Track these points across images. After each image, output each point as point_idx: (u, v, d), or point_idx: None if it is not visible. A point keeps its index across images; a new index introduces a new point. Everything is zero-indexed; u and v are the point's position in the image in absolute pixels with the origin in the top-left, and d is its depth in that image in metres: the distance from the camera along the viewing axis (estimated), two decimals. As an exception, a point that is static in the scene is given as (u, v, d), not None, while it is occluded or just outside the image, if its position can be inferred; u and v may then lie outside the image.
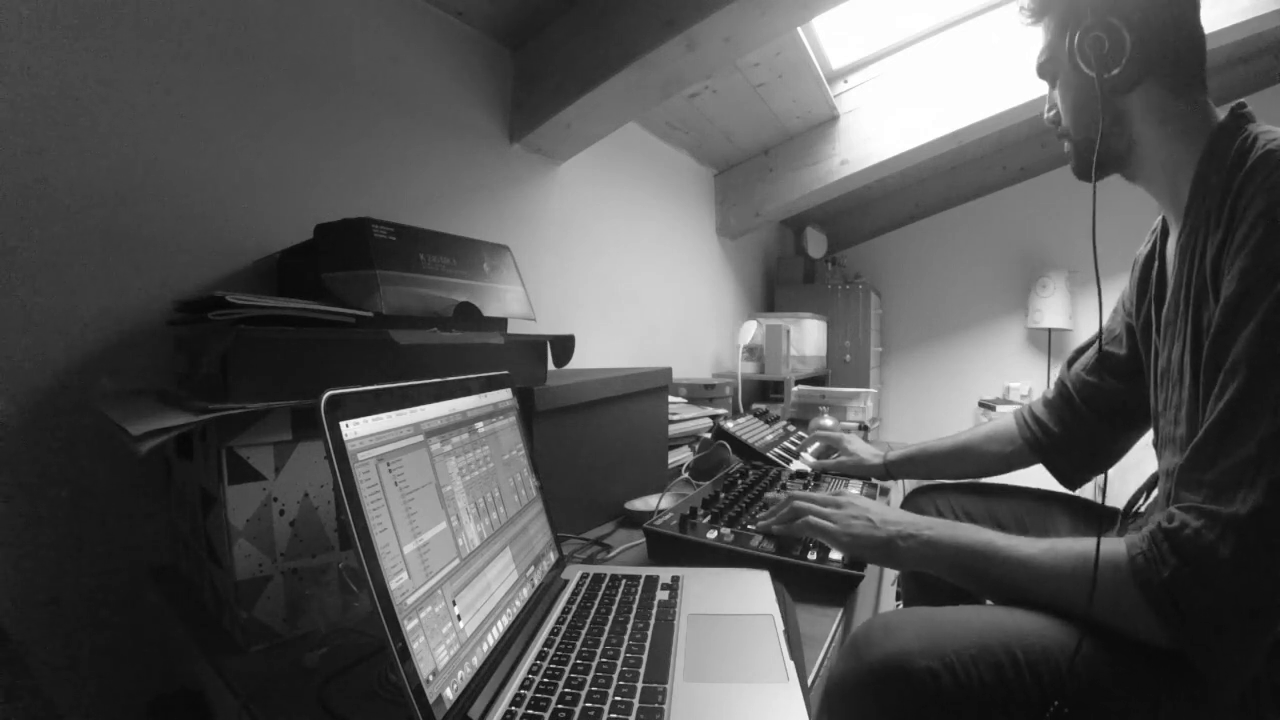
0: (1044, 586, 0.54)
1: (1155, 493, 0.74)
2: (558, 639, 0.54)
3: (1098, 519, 0.88)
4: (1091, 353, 0.87)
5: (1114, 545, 0.52)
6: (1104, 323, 0.86)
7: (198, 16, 0.83)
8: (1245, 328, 0.48)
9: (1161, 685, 0.49)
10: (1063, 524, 0.89)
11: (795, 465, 1.24)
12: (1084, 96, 0.64)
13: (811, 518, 0.70)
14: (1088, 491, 0.98)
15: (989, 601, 0.60)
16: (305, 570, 0.62)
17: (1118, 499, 0.86)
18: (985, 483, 1.00)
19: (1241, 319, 0.49)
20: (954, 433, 1.05)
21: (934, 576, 0.62)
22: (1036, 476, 0.94)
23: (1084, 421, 0.86)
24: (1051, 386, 0.93)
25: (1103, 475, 0.79)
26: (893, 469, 1.08)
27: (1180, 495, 0.50)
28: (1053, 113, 0.71)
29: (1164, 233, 0.69)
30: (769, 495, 0.89)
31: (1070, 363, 0.91)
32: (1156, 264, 0.69)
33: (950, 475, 1.03)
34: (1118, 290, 0.84)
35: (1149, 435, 0.74)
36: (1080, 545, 0.54)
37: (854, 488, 1.02)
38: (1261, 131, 0.54)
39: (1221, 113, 0.60)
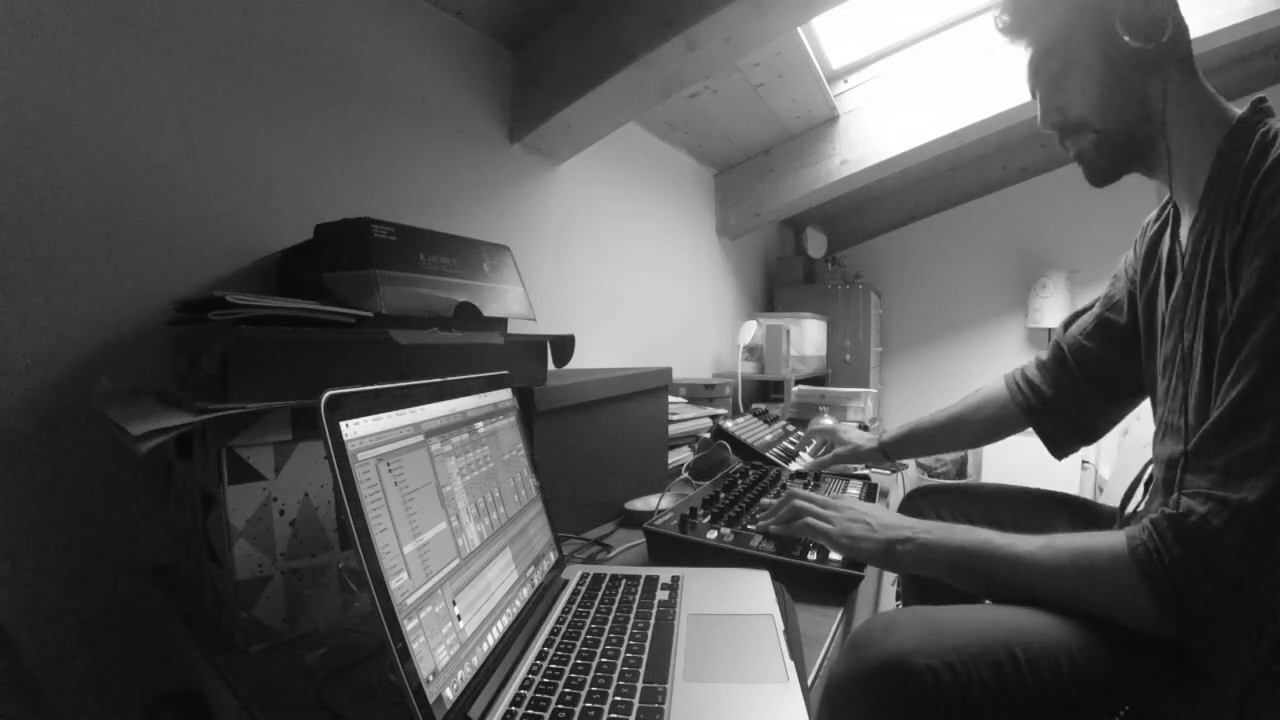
0: (1043, 582, 0.55)
1: (1151, 490, 0.74)
2: (558, 639, 0.54)
3: (1097, 517, 0.88)
4: (1090, 317, 0.86)
5: (1113, 536, 0.52)
6: (1105, 289, 0.85)
7: (197, 16, 0.83)
8: (1263, 321, 0.48)
9: (1165, 682, 0.49)
10: (1061, 525, 0.88)
11: (794, 465, 1.24)
12: (1115, 76, 0.62)
13: (810, 519, 0.70)
14: (1089, 492, 0.98)
15: (988, 602, 0.60)
16: (305, 570, 0.62)
17: (1114, 499, 0.86)
18: (984, 485, 0.99)
19: (1260, 312, 0.49)
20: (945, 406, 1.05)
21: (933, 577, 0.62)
22: (1036, 477, 0.94)
23: (1077, 386, 0.85)
24: (1047, 349, 0.92)
25: (1105, 477, 0.78)
26: (889, 450, 1.07)
27: (1187, 480, 0.50)
28: (1056, 117, 0.68)
29: (1175, 216, 0.68)
30: (765, 501, 0.89)
31: (1067, 325, 0.90)
32: (1168, 244, 0.68)
33: (946, 448, 1.03)
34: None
35: (1149, 436, 0.74)
36: (1078, 539, 0.54)
37: (853, 489, 1.02)
38: None
39: (1240, 105, 0.60)
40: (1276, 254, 0.49)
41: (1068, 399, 0.87)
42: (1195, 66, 0.62)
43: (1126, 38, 0.59)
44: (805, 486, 1.01)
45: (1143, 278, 0.74)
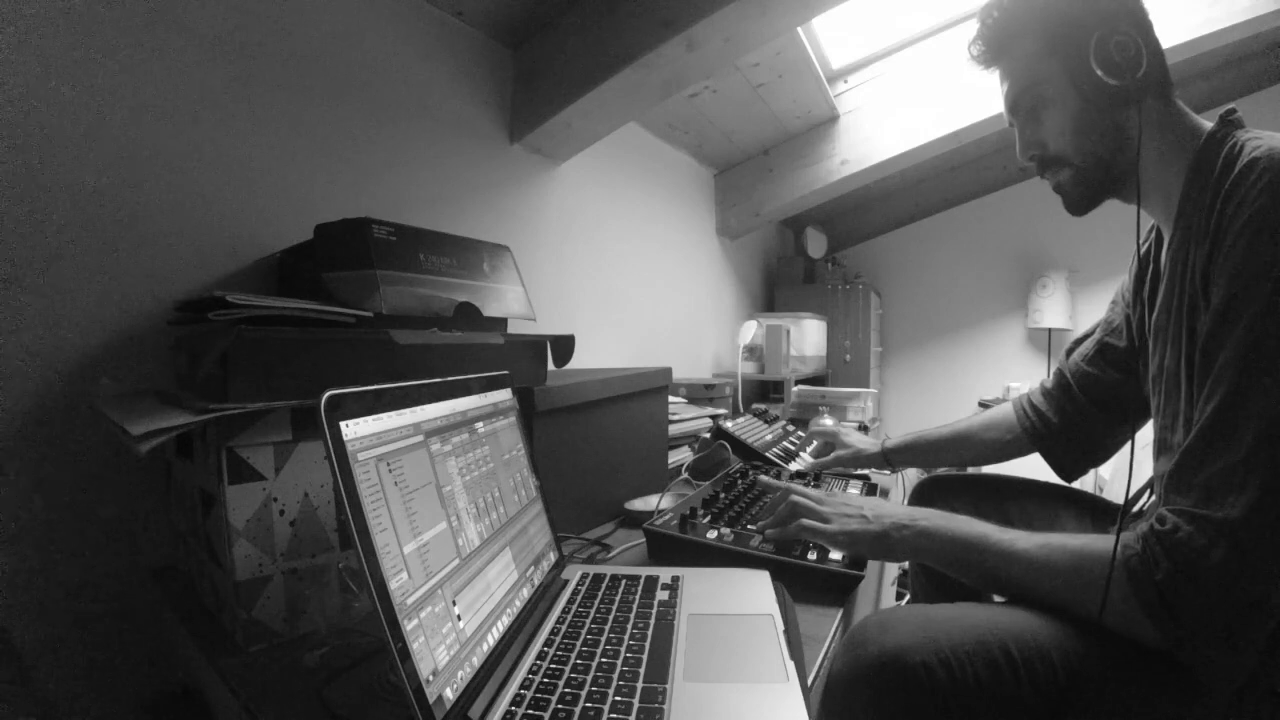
0: (1038, 581, 0.55)
1: (1154, 493, 0.74)
2: (558, 639, 0.54)
3: (1105, 513, 0.88)
4: (1090, 343, 0.87)
5: (1108, 544, 0.52)
6: (1103, 314, 0.87)
7: (198, 16, 0.83)
8: (1231, 334, 0.49)
9: (1156, 684, 0.49)
10: (1068, 519, 0.89)
11: (794, 465, 1.24)
12: (1091, 111, 0.62)
13: (806, 521, 0.70)
14: (1089, 490, 0.97)
15: (997, 598, 0.60)
16: (305, 570, 0.62)
17: (1115, 497, 0.86)
18: (994, 476, 0.99)
19: (1228, 326, 0.49)
20: (953, 420, 1.05)
21: (941, 573, 0.63)
22: (1037, 473, 0.94)
23: (1083, 412, 0.86)
24: (1050, 376, 0.93)
25: (1105, 477, 0.79)
26: (891, 457, 1.07)
27: (1170, 498, 0.50)
28: (1034, 151, 0.68)
29: (1158, 238, 0.69)
30: (763, 479, 0.88)
31: (1069, 352, 0.91)
32: (1151, 266, 0.69)
33: (949, 463, 1.03)
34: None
35: (1147, 437, 0.74)
36: (1074, 542, 0.54)
37: (854, 489, 1.02)
38: (1248, 139, 0.54)
39: (1210, 118, 0.60)
40: (1241, 267, 0.49)
41: (1074, 425, 0.88)
42: (1171, 91, 0.62)
43: (1101, 74, 0.60)
44: (805, 484, 1.01)
45: (1134, 300, 0.75)
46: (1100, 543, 0.53)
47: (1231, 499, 0.46)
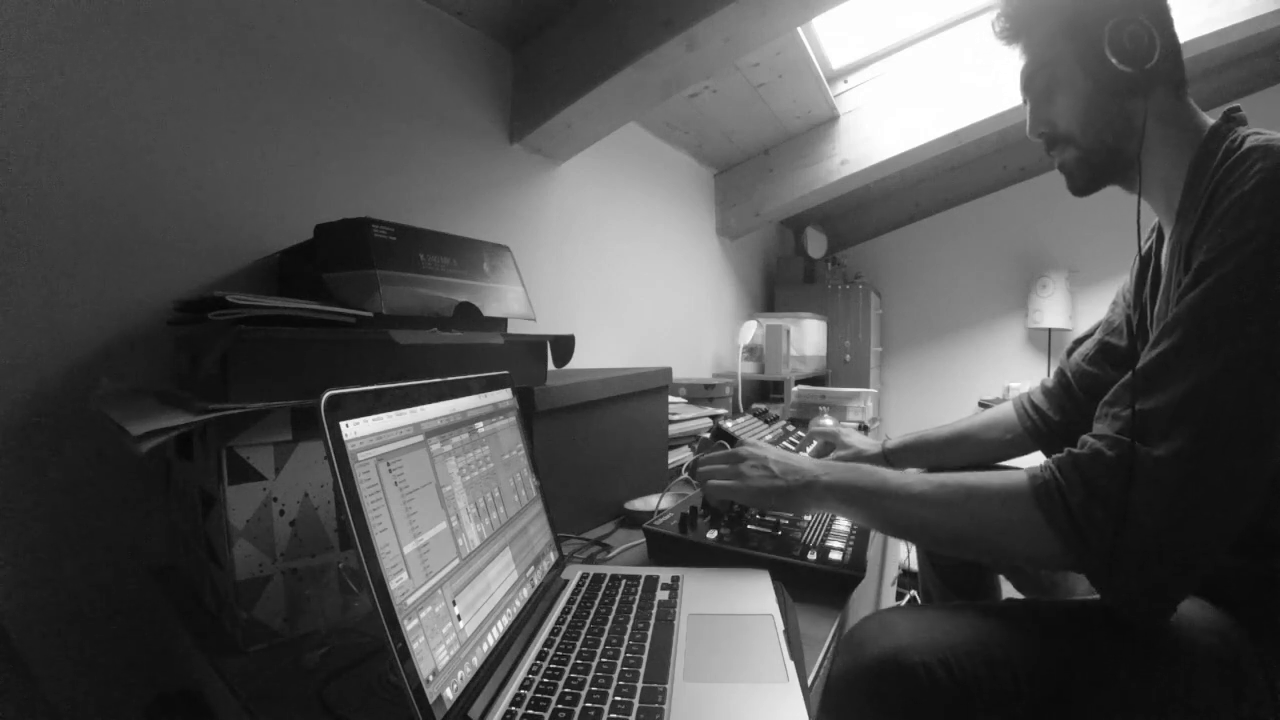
0: (937, 517, 0.57)
1: None
2: (558, 639, 0.54)
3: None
4: (1091, 343, 0.87)
5: (1012, 476, 0.54)
6: (1104, 314, 0.87)
7: (197, 16, 0.83)
8: (1193, 291, 0.50)
9: (1154, 679, 0.49)
10: None
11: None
12: (1101, 96, 0.63)
13: (714, 481, 0.71)
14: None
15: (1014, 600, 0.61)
16: (305, 570, 0.62)
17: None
18: (997, 465, 0.99)
19: (1194, 284, 0.50)
20: (954, 420, 1.06)
21: (953, 572, 0.63)
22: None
23: (1083, 410, 0.86)
24: (1051, 375, 0.94)
25: None
26: (891, 457, 1.08)
27: (1097, 427, 0.51)
28: (1043, 128, 0.69)
29: (1159, 236, 0.69)
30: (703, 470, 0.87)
31: (1070, 352, 0.91)
32: (1153, 264, 0.69)
33: (950, 463, 1.02)
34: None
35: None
36: (972, 478, 0.57)
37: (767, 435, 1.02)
38: (1250, 133, 0.55)
39: (1215, 116, 0.60)
40: (1220, 241, 0.50)
41: (1074, 424, 0.87)
42: (1183, 87, 0.63)
43: (1114, 60, 0.60)
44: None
45: (1135, 299, 0.75)
46: (1000, 477, 0.55)
47: (1159, 440, 0.47)
